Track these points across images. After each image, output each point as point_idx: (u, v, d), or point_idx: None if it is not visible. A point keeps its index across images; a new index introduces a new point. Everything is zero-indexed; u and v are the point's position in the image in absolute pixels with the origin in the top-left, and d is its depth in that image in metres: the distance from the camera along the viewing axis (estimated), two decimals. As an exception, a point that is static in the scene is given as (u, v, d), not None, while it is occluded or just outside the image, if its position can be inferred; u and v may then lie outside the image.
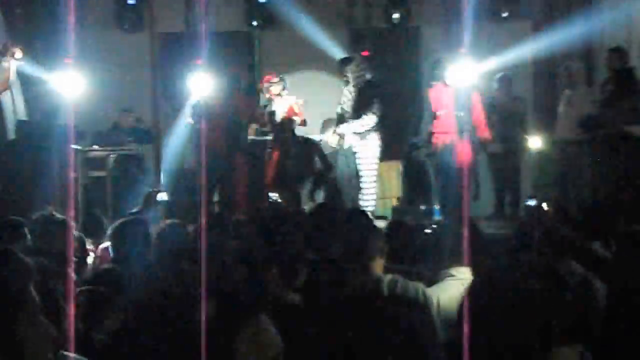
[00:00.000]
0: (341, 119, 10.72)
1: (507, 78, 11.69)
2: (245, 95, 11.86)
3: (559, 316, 2.61)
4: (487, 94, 11.28)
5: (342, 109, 10.72)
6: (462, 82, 10.45)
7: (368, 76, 10.64)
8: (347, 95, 10.67)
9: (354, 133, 10.52)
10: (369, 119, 10.46)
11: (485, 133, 10.65)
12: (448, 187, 10.50)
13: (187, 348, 3.13)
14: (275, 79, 11.51)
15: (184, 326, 3.25)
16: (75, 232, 5.75)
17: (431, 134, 10.65)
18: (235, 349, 3.40)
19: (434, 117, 10.59)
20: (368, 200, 10.53)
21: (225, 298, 3.49)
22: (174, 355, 3.30)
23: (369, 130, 10.51)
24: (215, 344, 3.21)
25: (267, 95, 11.59)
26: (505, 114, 11.56)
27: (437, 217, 9.98)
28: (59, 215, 5.77)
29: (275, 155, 11.30)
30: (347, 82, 10.64)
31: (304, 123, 11.47)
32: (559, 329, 2.54)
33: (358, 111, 10.48)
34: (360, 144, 10.56)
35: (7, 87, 9.93)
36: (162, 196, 10.00)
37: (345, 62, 10.79)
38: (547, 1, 13.46)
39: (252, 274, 3.71)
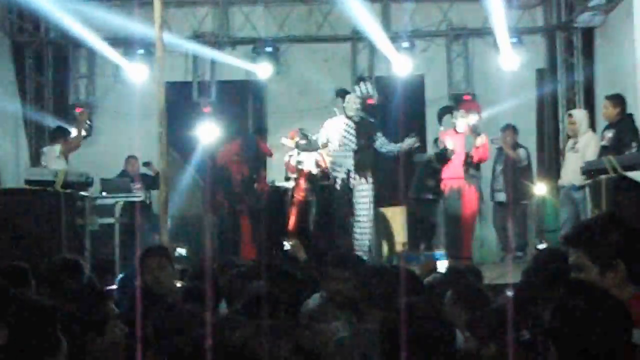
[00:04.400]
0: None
1: (511, 127, 11.95)
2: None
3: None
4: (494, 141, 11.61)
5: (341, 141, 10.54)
6: (470, 129, 10.75)
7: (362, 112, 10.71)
8: (343, 127, 10.55)
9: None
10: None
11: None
12: (454, 232, 10.70)
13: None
14: (299, 136, 11.37)
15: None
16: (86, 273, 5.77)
17: (440, 178, 10.88)
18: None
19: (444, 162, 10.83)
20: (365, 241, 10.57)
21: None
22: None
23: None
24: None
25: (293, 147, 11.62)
26: (509, 163, 11.85)
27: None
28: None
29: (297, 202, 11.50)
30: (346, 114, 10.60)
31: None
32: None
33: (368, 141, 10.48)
34: (361, 182, 10.50)
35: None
36: (181, 251, 10.20)
37: (343, 93, 10.77)
38: (549, 49, 13.80)
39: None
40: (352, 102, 10.50)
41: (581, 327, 2.62)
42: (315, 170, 11.42)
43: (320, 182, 11.36)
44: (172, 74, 12.42)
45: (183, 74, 13.76)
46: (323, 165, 11.30)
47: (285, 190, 11.97)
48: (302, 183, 11.58)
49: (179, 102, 12.77)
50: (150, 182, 12.33)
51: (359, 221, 10.45)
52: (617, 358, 2.62)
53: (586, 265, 3.22)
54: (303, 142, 10.96)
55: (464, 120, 10.82)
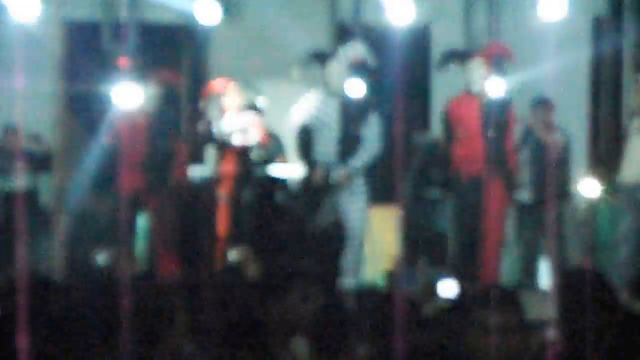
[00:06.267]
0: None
1: (546, 104, 10.48)
2: None
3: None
4: (520, 119, 10.10)
5: (312, 122, 9.41)
6: (493, 90, 9.35)
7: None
8: (322, 105, 9.44)
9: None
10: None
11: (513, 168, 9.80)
12: (469, 243, 9.38)
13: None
14: (234, 87, 10.06)
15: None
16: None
17: (451, 163, 9.65)
18: None
19: (455, 140, 9.51)
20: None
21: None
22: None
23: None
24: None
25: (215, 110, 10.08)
26: (540, 152, 10.52)
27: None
28: None
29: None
30: (328, 88, 9.37)
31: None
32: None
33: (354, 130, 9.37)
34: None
35: None
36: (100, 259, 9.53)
37: (323, 58, 9.57)
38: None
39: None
40: (337, 73, 9.35)
41: None
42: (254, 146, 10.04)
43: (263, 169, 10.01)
44: (74, 10, 11.39)
45: (88, 11, 12.07)
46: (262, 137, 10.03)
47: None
48: (231, 167, 10.04)
49: (83, 50, 11.56)
50: (38, 163, 11.02)
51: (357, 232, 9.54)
52: None
53: None
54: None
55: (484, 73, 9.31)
